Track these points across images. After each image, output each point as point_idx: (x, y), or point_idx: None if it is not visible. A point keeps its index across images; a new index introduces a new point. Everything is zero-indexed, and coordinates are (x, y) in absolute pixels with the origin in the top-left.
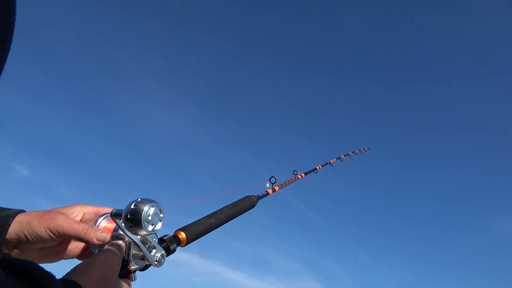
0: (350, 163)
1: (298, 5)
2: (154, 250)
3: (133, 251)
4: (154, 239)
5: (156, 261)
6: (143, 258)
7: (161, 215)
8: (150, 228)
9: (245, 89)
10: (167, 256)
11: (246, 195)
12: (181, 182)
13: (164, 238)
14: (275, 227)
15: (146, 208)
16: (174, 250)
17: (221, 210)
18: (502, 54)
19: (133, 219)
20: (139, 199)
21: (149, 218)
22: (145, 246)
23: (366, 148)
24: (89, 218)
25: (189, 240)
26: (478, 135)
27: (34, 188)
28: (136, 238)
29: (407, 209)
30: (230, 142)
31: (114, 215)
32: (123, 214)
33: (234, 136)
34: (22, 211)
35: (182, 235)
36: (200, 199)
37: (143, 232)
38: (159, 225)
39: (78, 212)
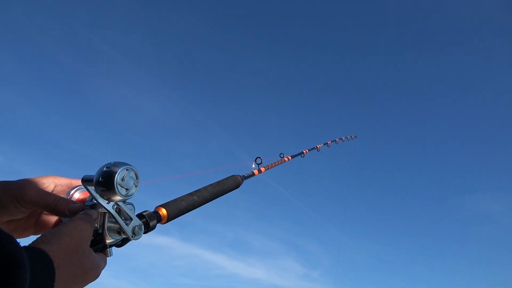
0: (336, 150)
1: None
2: (130, 222)
3: (108, 223)
4: (131, 210)
5: (133, 233)
6: (119, 231)
7: (137, 180)
8: (124, 192)
9: (229, 71)
10: (146, 232)
11: (231, 175)
12: (159, 166)
13: (143, 213)
14: (255, 209)
15: (119, 170)
16: (154, 227)
17: (205, 188)
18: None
19: (105, 183)
20: (112, 162)
21: (123, 181)
22: (121, 218)
23: (353, 136)
24: (61, 190)
25: (170, 217)
26: (452, 118)
27: (5, 175)
28: (110, 207)
29: (386, 190)
30: (209, 125)
31: (85, 181)
32: (94, 178)
33: (214, 119)
34: None
35: (163, 211)
36: (183, 175)
37: (116, 198)
38: (133, 190)
39: (49, 183)
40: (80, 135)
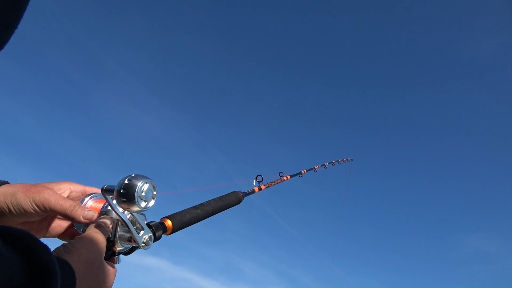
0: (333, 174)
1: (281, 16)
2: (142, 232)
3: (120, 232)
4: (143, 221)
5: (144, 243)
6: (129, 239)
7: (154, 193)
8: (143, 204)
9: (230, 96)
10: (153, 242)
11: (233, 191)
12: (157, 184)
13: (150, 224)
14: (250, 235)
15: (140, 183)
16: (159, 237)
17: (208, 202)
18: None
19: (126, 194)
20: (133, 175)
21: (143, 194)
22: (133, 227)
23: (349, 159)
24: (76, 196)
25: (175, 229)
26: (453, 156)
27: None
28: (125, 217)
29: (383, 222)
30: (209, 149)
31: (105, 191)
32: (115, 189)
33: (213, 141)
34: (6, 182)
35: (168, 222)
36: (186, 190)
37: (135, 208)
38: (152, 203)
39: (65, 189)
40: (80, 148)
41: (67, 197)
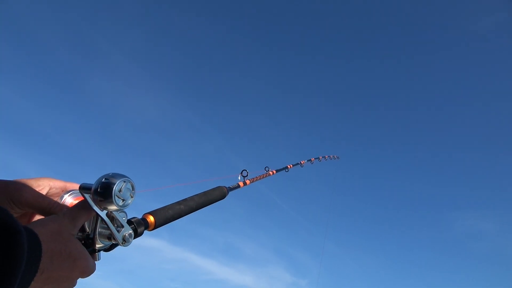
0: (320, 167)
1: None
2: (122, 229)
3: (100, 228)
4: (123, 218)
5: (123, 240)
6: (109, 237)
7: (133, 191)
8: (120, 203)
9: (226, 77)
10: (134, 238)
11: (218, 186)
12: (153, 167)
13: (132, 220)
14: (248, 216)
15: (117, 181)
16: (141, 233)
17: (192, 197)
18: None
19: (103, 193)
20: (111, 173)
21: (120, 192)
22: (113, 225)
23: (335, 156)
24: (55, 193)
25: (157, 225)
26: (443, 137)
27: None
28: (104, 214)
29: (375, 202)
30: (205, 130)
31: (83, 189)
32: (92, 188)
33: (210, 123)
34: None
35: (151, 218)
36: (171, 186)
37: (113, 207)
38: (130, 201)
39: (45, 185)
40: (77, 131)
41: (47, 194)
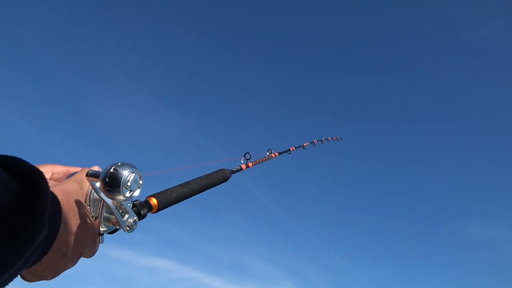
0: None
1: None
2: (126, 215)
3: (105, 213)
4: (129, 205)
5: (128, 227)
6: (114, 222)
7: (140, 182)
8: (127, 194)
9: (228, 91)
10: (139, 220)
11: (221, 168)
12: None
13: (135, 202)
14: (254, 231)
15: (126, 173)
16: (144, 216)
17: (195, 180)
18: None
19: (111, 183)
20: (119, 163)
21: (128, 184)
22: (118, 211)
23: (338, 138)
24: (58, 177)
25: (160, 207)
26: (452, 143)
27: None
28: (110, 201)
29: (380, 210)
30: (208, 146)
31: (91, 175)
32: (100, 177)
33: (213, 139)
34: None
35: (154, 201)
36: (175, 169)
37: (120, 197)
38: (137, 192)
39: (47, 171)
40: (79, 152)
41: (49, 179)
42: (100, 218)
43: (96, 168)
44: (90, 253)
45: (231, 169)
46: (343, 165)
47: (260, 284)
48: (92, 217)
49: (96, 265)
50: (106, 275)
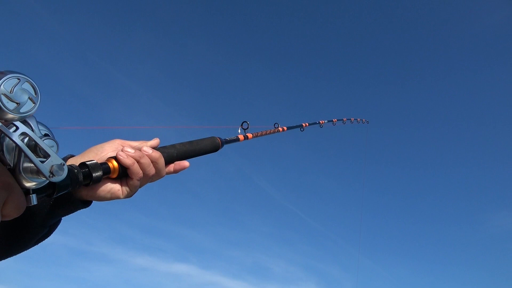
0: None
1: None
2: (48, 160)
3: (25, 163)
4: (52, 146)
5: (51, 172)
6: (37, 172)
7: (34, 95)
8: (12, 107)
9: (241, 93)
10: (88, 184)
11: (211, 136)
12: (172, 191)
13: (87, 162)
14: (273, 233)
15: (3, 77)
16: (97, 179)
17: (173, 145)
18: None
19: None
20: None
21: (10, 93)
22: (36, 155)
23: (364, 120)
24: None
25: (121, 172)
26: (477, 132)
27: None
28: (16, 137)
29: (404, 207)
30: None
31: None
32: None
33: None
34: (72, 155)
35: (114, 163)
36: (157, 127)
37: (8, 116)
38: (30, 106)
39: None
40: None
41: None
42: (19, 169)
43: None
44: (9, 209)
45: (224, 139)
46: (368, 154)
47: (282, 285)
48: (8, 167)
49: (119, 273)
50: (130, 283)
